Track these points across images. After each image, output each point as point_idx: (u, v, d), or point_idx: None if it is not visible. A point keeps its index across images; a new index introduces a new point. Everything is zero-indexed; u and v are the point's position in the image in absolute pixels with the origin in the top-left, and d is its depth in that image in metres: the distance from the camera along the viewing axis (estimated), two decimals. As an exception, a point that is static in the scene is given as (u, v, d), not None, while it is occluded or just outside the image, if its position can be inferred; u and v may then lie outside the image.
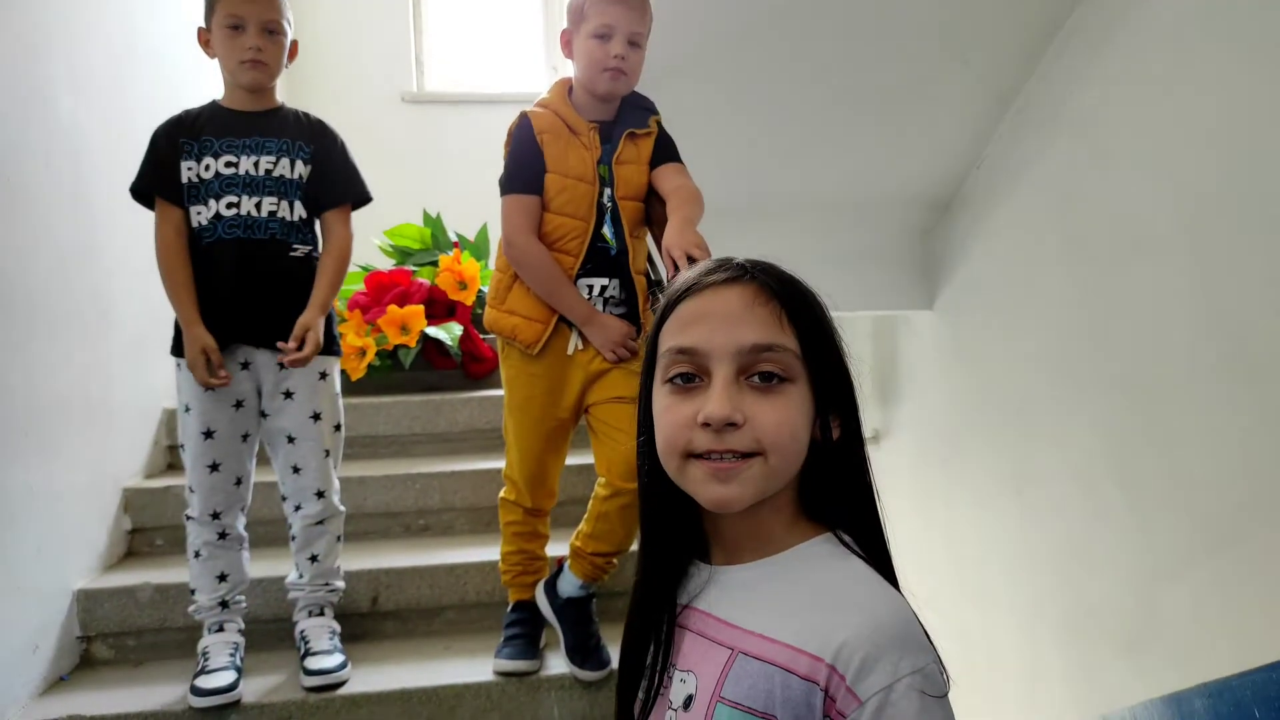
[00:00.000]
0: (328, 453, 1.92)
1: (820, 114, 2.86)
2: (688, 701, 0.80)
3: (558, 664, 1.88)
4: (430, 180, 4.03)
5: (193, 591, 1.88)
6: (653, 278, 1.99)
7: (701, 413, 0.77)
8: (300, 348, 1.81)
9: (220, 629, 1.86)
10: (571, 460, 2.04)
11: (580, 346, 1.81)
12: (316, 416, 1.89)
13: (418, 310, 2.89)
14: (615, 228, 1.82)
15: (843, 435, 0.83)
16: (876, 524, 0.84)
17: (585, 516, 1.85)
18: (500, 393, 2.78)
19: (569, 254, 1.78)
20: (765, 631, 0.77)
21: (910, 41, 2.62)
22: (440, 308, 3.05)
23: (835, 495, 0.84)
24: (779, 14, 2.55)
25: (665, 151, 1.88)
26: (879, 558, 0.81)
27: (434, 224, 3.45)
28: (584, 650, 1.85)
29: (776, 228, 3.05)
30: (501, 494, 1.96)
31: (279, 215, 1.86)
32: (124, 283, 2.38)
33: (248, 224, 1.83)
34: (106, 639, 2.05)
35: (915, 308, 3.24)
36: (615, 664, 1.83)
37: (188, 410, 1.84)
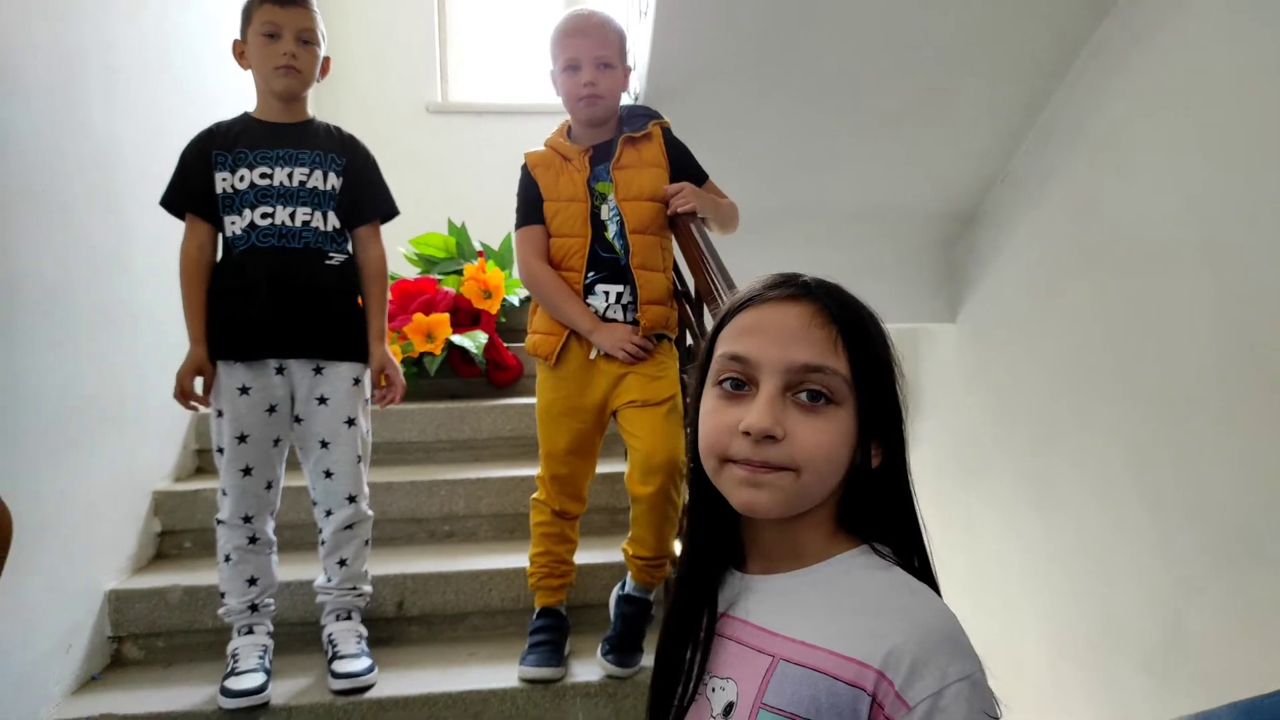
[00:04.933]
0: (359, 458, 1.94)
1: (844, 126, 2.88)
2: (728, 709, 0.81)
3: (583, 671, 1.90)
4: (454, 190, 4.06)
5: (222, 595, 1.91)
6: (679, 288, 2.02)
7: (743, 421, 0.78)
8: (377, 387, 1.97)
9: (249, 631, 1.88)
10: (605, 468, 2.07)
11: (602, 354, 1.89)
12: (350, 422, 1.92)
13: (443, 318, 2.92)
14: (621, 237, 1.90)
15: (885, 462, 0.84)
16: (918, 538, 0.85)
17: None
18: (523, 400, 2.86)
19: (574, 269, 1.89)
20: (807, 638, 0.78)
21: (936, 55, 2.63)
22: (465, 316, 3.07)
23: (875, 516, 0.85)
24: (803, 26, 2.57)
25: (683, 164, 1.97)
26: (920, 571, 0.82)
27: (459, 233, 3.48)
28: (620, 646, 1.89)
29: (798, 240, 3.06)
30: (533, 495, 2.01)
31: (313, 225, 1.89)
32: (154, 289, 2.41)
33: (282, 233, 1.86)
34: (137, 639, 2.08)
35: (938, 320, 3.24)
36: (643, 666, 1.88)
37: (220, 415, 1.87)
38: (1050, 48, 2.57)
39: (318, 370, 1.89)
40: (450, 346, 2.92)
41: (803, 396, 0.78)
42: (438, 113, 4.60)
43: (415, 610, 2.14)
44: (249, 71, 1.93)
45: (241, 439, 1.86)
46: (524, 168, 1.97)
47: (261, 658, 1.85)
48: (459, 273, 3.25)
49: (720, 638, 0.86)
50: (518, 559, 2.20)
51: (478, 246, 3.52)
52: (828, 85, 2.73)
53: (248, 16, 1.88)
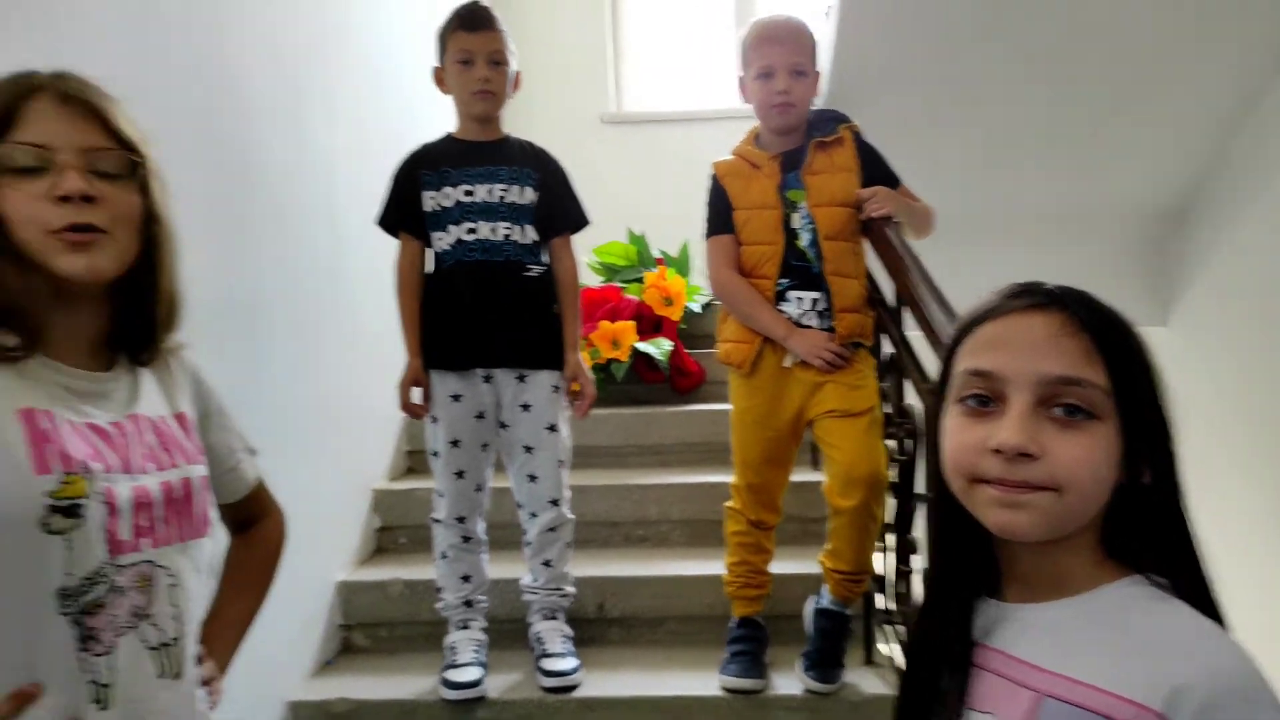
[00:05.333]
0: (560, 463, 2.02)
1: (1042, 122, 2.74)
2: (989, 743, 0.79)
3: (783, 684, 1.90)
4: (631, 199, 4.13)
5: (439, 590, 2.03)
6: (873, 294, 1.99)
7: (994, 439, 0.75)
8: (571, 394, 2.03)
9: (465, 627, 2.00)
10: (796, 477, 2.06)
11: (797, 361, 1.87)
12: (553, 428, 2.00)
13: (629, 325, 2.99)
14: (813, 244, 1.88)
15: (1156, 480, 0.79)
16: (1198, 570, 0.80)
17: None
18: (706, 406, 2.89)
19: (766, 277, 1.90)
20: (1077, 675, 0.75)
21: (1144, 37, 2.46)
22: (647, 323, 3.13)
23: (1145, 540, 0.80)
24: (997, 20, 2.46)
25: (875, 167, 1.94)
26: (1204, 606, 0.78)
27: (638, 241, 3.56)
28: (820, 662, 1.88)
29: (991, 243, 2.93)
30: (727, 503, 2.02)
31: (513, 238, 1.98)
32: (369, 297, 2.60)
33: (486, 247, 1.96)
34: (364, 628, 2.25)
35: (1149, 324, 3.02)
36: (844, 682, 1.87)
37: (435, 421, 1.99)
38: (1271, 30, 2.35)
39: (521, 378, 1.98)
40: (636, 353, 2.98)
41: (1059, 411, 0.75)
42: (612, 123, 4.70)
43: (616, 612, 2.21)
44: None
45: (454, 443, 1.97)
46: (712, 177, 1.99)
47: (477, 652, 1.97)
48: (640, 280, 3.31)
49: (976, 668, 0.84)
50: (711, 565, 2.23)
51: (656, 254, 3.58)
52: (1024, 80, 2.61)
53: (443, 45, 2.00)
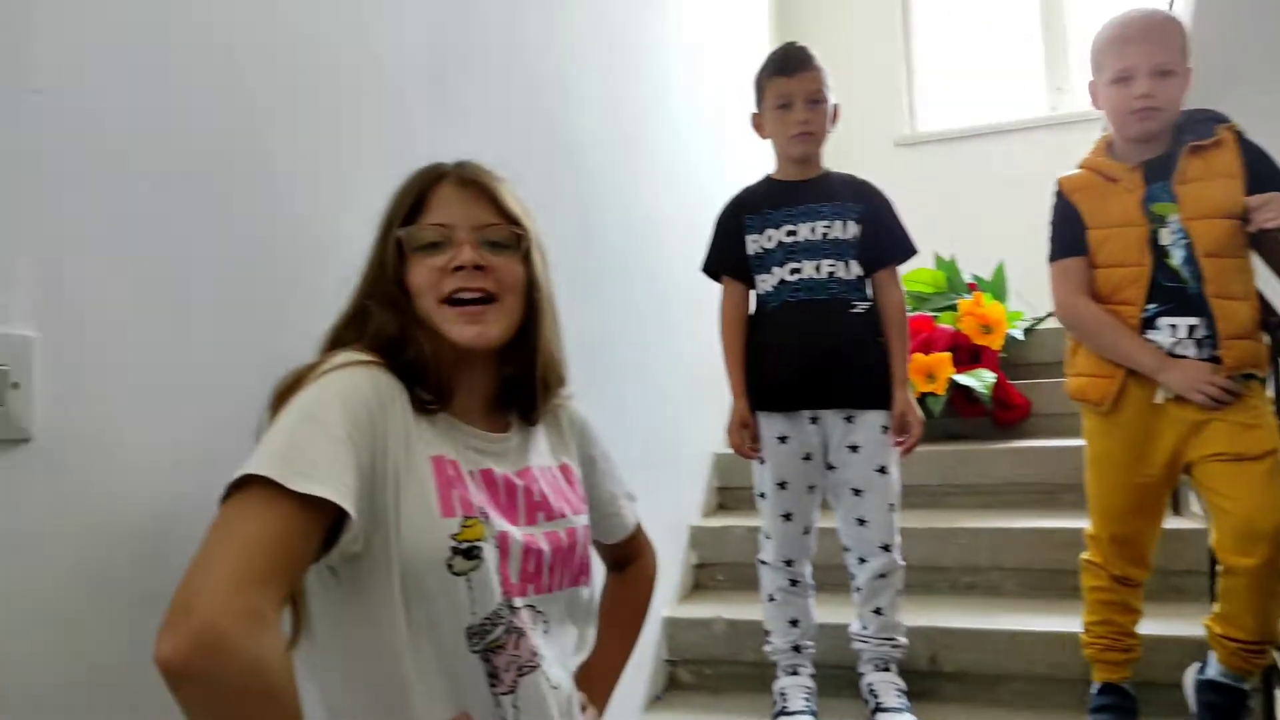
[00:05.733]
0: (891, 506, 1.93)
1: None
2: None
3: (1164, 763, 1.66)
4: (932, 222, 3.92)
5: (767, 633, 2.00)
6: (1272, 319, 1.70)
7: None
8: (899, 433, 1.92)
9: (794, 673, 1.96)
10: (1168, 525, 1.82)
11: (1171, 396, 1.65)
12: (882, 470, 1.91)
13: (945, 357, 2.82)
14: (1190, 263, 1.65)
15: None
16: None
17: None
18: (1033, 443, 2.65)
19: (1129, 303, 1.70)
20: None
21: None
22: (964, 354, 2.95)
23: None
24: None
25: (1263, 172, 1.66)
26: None
27: (948, 267, 3.37)
28: None
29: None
30: (1084, 555, 1.83)
31: (838, 275, 1.93)
32: (687, 341, 2.68)
33: (810, 286, 1.92)
34: (688, 664, 2.28)
35: None
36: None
37: (762, 462, 1.97)
38: None
39: (849, 419, 1.92)
40: (953, 386, 2.81)
41: None
42: (907, 145, 4.54)
43: (950, 666, 2.06)
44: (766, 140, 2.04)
45: (781, 485, 1.94)
46: (1058, 194, 1.82)
47: (808, 700, 1.91)
48: (952, 308, 3.13)
49: None
50: (1055, 621, 2.03)
51: (968, 279, 3.37)
52: None
53: (760, 91, 1.99)
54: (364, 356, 0.90)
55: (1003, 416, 2.86)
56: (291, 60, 1.10)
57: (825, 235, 1.94)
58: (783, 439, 1.94)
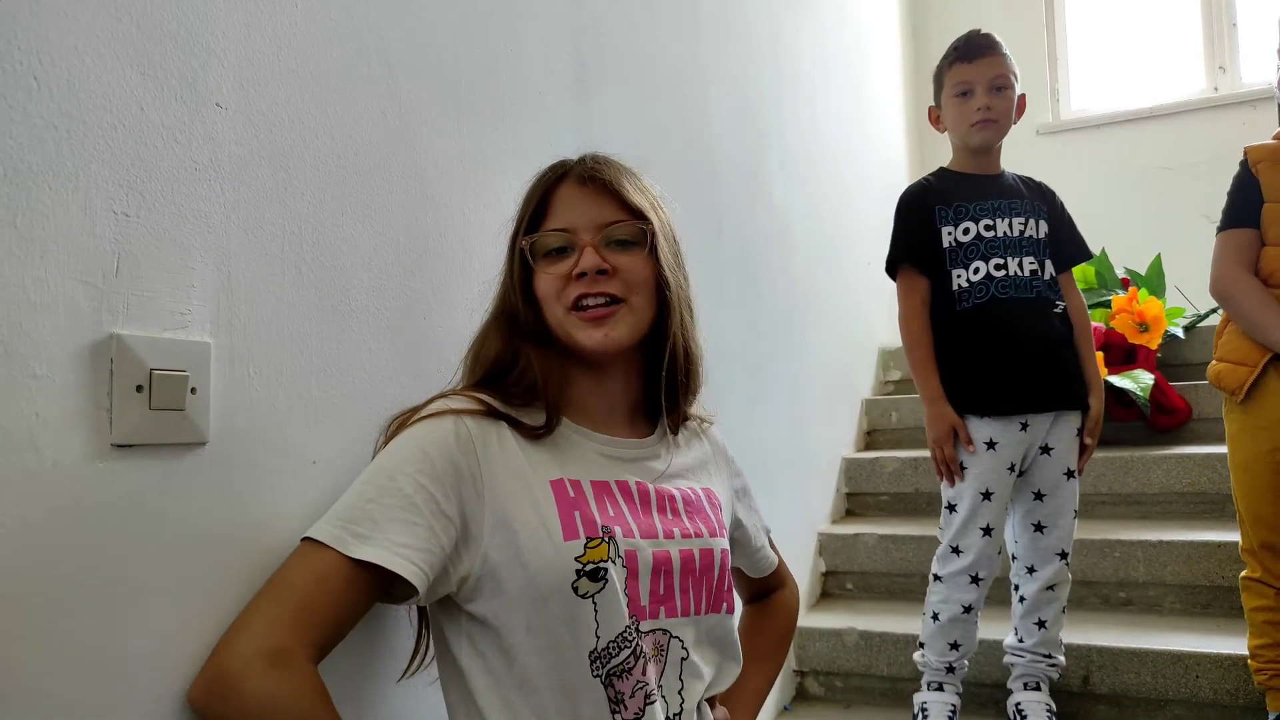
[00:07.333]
0: (1075, 512, 1.83)
1: None
2: None
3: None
4: (1078, 214, 3.73)
5: (921, 644, 1.89)
6: None
7: None
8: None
9: (940, 689, 1.87)
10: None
11: None
12: (1070, 474, 1.81)
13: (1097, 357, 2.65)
14: None
15: None
16: None
17: None
18: (1195, 450, 2.46)
19: None
20: None
21: None
22: (1117, 353, 2.76)
23: None
24: None
25: None
26: None
27: (1098, 261, 3.16)
28: None
29: None
30: (1244, 574, 1.69)
31: (1040, 275, 1.84)
32: (815, 344, 2.62)
33: (1017, 284, 1.82)
34: (817, 675, 2.22)
35: None
36: None
37: (964, 468, 1.83)
38: None
39: (1052, 423, 1.82)
40: (1108, 388, 2.63)
41: None
42: (1050, 133, 4.31)
43: (1104, 688, 1.93)
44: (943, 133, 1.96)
45: (985, 496, 1.79)
46: (1243, 163, 1.71)
47: (950, 717, 1.83)
48: (1105, 304, 2.94)
49: None
50: (1221, 641, 1.89)
51: (1120, 273, 3.16)
52: None
53: (940, 81, 1.91)
54: (455, 405, 0.90)
55: (1161, 421, 2.67)
56: (443, 63, 1.12)
57: (1022, 233, 1.85)
58: (991, 445, 1.79)
